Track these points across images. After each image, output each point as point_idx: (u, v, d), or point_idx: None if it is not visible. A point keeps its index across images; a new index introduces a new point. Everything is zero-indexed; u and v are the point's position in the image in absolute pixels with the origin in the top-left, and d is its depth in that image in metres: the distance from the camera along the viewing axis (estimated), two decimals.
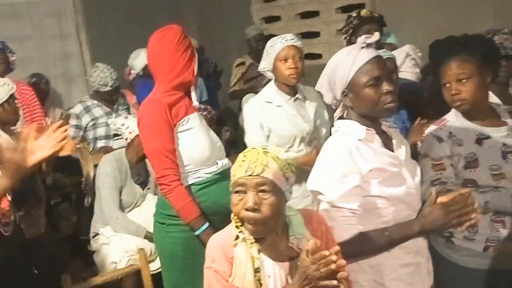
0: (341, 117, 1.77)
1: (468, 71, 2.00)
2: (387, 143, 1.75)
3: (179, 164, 2.19)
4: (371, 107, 1.66)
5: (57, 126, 1.96)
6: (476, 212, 1.57)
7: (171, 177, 2.14)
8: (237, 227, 1.50)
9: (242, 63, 4.75)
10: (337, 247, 1.37)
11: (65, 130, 1.95)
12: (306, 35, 4.82)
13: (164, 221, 2.29)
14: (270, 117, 2.72)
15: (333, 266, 1.31)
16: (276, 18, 5.03)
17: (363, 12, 3.15)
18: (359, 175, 1.62)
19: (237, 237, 1.49)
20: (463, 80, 2.00)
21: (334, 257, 1.32)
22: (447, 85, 2.04)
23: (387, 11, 4.11)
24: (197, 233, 2.14)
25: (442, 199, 1.62)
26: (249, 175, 1.44)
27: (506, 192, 1.96)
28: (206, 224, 2.15)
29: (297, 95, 2.75)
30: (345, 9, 4.52)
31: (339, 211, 1.61)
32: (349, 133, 1.69)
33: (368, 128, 1.70)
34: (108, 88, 3.73)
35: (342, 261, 1.33)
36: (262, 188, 1.45)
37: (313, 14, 4.75)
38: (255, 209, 1.42)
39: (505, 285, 2.12)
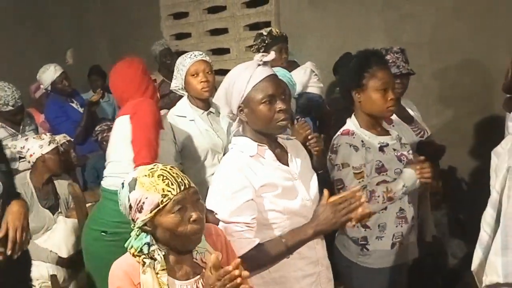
0: (237, 132, 1.81)
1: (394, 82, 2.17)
2: (282, 157, 1.79)
3: None
4: (265, 124, 1.69)
5: None
6: (363, 206, 1.66)
7: None
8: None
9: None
10: (238, 260, 1.39)
11: None
12: (217, 52, 4.92)
13: (108, 229, 2.32)
14: (183, 131, 2.75)
15: (238, 280, 1.32)
16: (187, 35, 5.09)
17: (275, 31, 3.31)
18: (252, 189, 1.65)
19: (144, 263, 1.43)
20: (391, 88, 2.14)
21: (237, 272, 1.32)
22: (385, 89, 2.12)
23: (291, 29, 4.35)
24: None
25: (332, 198, 1.70)
26: (185, 189, 1.43)
27: (406, 171, 2.15)
28: None
29: (210, 109, 2.80)
30: (252, 27, 4.67)
31: (235, 226, 1.63)
32: (243, 150, 1.73)
33: (260, 144, 1.73)
34: (10, 108, 3.52)
35: (245, 272, 1.35)
36: (197, 197, 1.46)
37: (223, 31, 4.85)
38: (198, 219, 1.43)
39: (403, 278, 2.33)
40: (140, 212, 1.41)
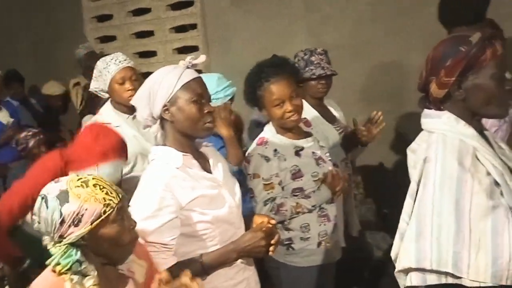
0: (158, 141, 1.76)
1: (295, 88, 2.17)
2: (205, 165, 1.77)
3: None
4: (192, 124, 1.66)
5: None
6: (277, 244, 1.74)
7: None
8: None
9: (77, 84, 4.61)
10: (165, 273, 1.40)
11: None
12: (143, 55, 4.84)
13: None
14: None
15: None
16: (112, 38, 4.97)
17: None
18: (176, 207, 1.61)
19: (72, 280, 1.35)
20: (294, 97, 2.15)
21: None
22: (280, 103, 2.14)
23: (216, 32, 4.37)
24: None
25: (260, 219, 1.76)
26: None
27: (323, 189, 2.22)
28: None
29: (136, 113, 2.76)
30: (179, 29, 4.64)
31: (151, 246, 1.59)
32: (167, 161, 1.67)
33: (184, 154, 1.69)
34: None
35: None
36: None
37: (148, 34, 4.78)
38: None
39: (331, 275, 2.39)
40: (76, 225, 1.31)
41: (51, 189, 1.36)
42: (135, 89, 2.60)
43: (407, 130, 3.44)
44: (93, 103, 4.30)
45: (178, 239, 1.65)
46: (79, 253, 1.33)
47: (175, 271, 1.60)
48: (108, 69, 2.67)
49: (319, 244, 2.25)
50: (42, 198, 1.35)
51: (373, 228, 3.49)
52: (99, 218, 1.32)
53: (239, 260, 1.75)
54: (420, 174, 1.49)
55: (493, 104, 1.50)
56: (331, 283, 2.43)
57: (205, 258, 1.67)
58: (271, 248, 1.74)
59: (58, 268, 1.33)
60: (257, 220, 1.79)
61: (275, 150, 2.18)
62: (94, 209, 1.32)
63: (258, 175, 2.16)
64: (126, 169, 2.72)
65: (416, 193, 1.49)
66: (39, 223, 1.35)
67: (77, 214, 1.31)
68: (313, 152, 2.27)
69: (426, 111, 1.60)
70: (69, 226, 1.31)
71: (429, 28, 3.50)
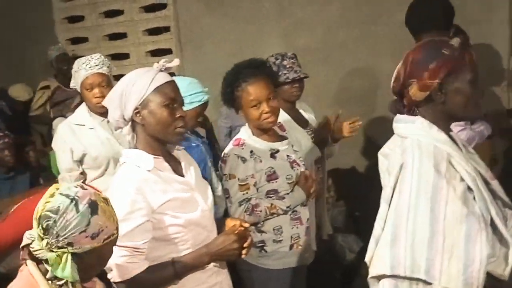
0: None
1: (272, 90, 2.18)
2: (177, 168, 1.75)
3: None
4: (163, 128, 1.64)
5: None
6: (249, 246, 1.78)
7: None
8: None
9: (47, 87, 4.53)
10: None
11: None
12: (116, 57, 4.79)
13: None
14: (83, 140, 2.65)
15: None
16: (84, 40, 4.90)
17: None
18: (147, 211, 1.60)
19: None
20: (271, 99, 2.16)
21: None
22: (257, 104, 2.15)
23: (190, 34, 4.36)
24: None
25: (232, 223, 1.78)
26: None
27: (297, 191, 2.24)
28: None
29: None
30: (152, 31, 4.61)
31: (123, 250, 1.58)
32: (139, 164, 1.65)
33: (155, 157, 1.67)
34: None
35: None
36: None
37: (121, 36, 4.73)
38: None
39: (303, 278, 2.41)
40: (93, 238, 1.30)
41: (82, 195, 1.32)
42: (103, 96, 2.53)
43: (378, 134, 3.50)
44: (64, 106, 4.27)
45: (150, 243, 1.64)
46: (74, 263, 1.31)
47: (146, 275, 1.62)
48: (79, 73, 2.65)
49: (291, 246, 2.26)
50: (72, 200, 1.30)
51: (344, 230, 3.53)
52: (109, 238, 1.34)
53: (212, 264, 1.75)
54: (396, 180, 1.50)
55: (469, 106, 1.53)
56: (303, 286, 2.45)
57: (177, 262, 1.67)
58: (243, 251, 1.75)
59: (54, 273, 1.30)
60: (230, 223, 1.81)
61: (251, 152, 2.19)
62: (110, 229, 1.34)
63: (234, 176, 2.17)
64: (97, 173, 2.70)
65: (391, 199, 1.50)
66: (55, 221, 1.29)
67: (99, 229, 1.31)
68: (287, 155, 2.29)
69: (398, 116, 1.61)
70: (87, 237, 1.30)
71: (398, 35, 3.58)
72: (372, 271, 1.52)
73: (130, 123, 1.69)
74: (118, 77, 3.23)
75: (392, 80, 1.61)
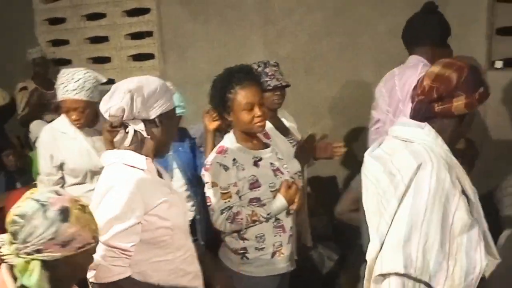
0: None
1: (262, 96, 2.20)
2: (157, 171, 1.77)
3: None
4: (162, 144, 1.72)
5: None
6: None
7: None
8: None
9: (25, 88, 4.45)
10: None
11: None
12: (97, 60, 4.75)
13: None
14: (63, 149, 2.62)
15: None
16: (65, 42, 4.84)
17: None
18: (141, 212, 1.61)
19: None
20: (262, 104, 2.18)
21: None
22: (250, 108, 2.15)
23: (173, 40, 4.35)
24: None
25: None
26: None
27: (279, 199, 2.23)
28: None
29: (95, 127, 2.67)
30: (134, 35, 4.58)
31: (110, 251, 1.57)
32: (132, 164, 1.65)
33: (146, 157, 1.68)
34: None
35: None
36: None
37: (103, 39, 4.69)
38: None
39: (286, 286, 2.41)
40: (63, 247, 1.26)
41: (53, 201, 1.28)
42: (80, 120, 2.54)
43: (358, 144, 3.54)
44: (41, 108, 4.20)
45: (135, 246, 1.64)
46: (42, 271, 1.27)
47: (125, 285, 1.60)
48: (58, 90, 2.57)
49: (273, 254, 2.26)
50: (42, 205, 1.27)
51: (324, 239, 3.54)
52: (83, 247, 1.30)
53: (192, 267, 1.77)
54: (410, 179, 1.50)
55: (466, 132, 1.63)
56: None
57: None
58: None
59: (21, 281, 1.26)
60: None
61: (234, 160, 2.19)
62: (85, 238, 1.30)
63: (216, 184, 2.17)
64: (76, 180, 2.67)
65: (402, 196, 1.50)
66: (21, 227, 1.25)
67: (71, 237, 1.27)
68: (271, 163, 2.30)
69: (403, 119, 1.63)
70: (56, 245, 1.26)
71: (381, 46, 3.63)
72: (381, 268, 1.52)
73: (142, 122, 1.64)
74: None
75: (431, 80, 1.57)
